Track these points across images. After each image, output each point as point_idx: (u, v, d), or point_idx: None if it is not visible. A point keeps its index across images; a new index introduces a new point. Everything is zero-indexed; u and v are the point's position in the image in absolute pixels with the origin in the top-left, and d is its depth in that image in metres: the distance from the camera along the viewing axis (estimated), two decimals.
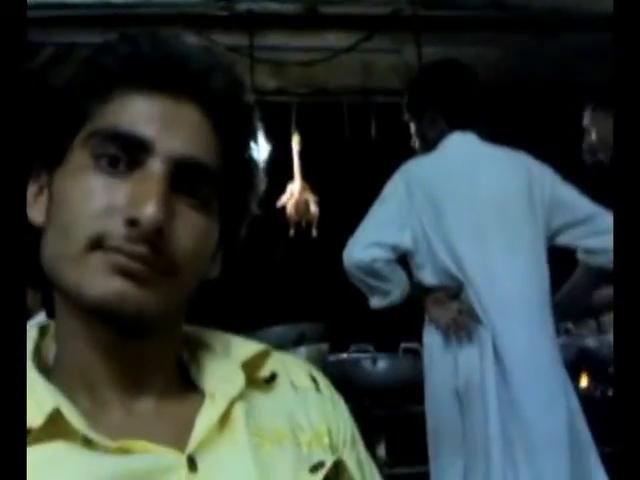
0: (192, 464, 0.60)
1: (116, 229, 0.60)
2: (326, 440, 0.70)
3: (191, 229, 0.64)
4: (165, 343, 0.68)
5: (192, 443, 0.61)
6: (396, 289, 2.00)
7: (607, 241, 1.94)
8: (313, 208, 3.28)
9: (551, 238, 2.06)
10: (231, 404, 0.65)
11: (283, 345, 2.47)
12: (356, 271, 1.98)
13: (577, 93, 2.52)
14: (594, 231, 2.01)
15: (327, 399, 0.75)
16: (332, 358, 2.83)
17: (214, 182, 0.66)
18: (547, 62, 3.15)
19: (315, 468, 0.66)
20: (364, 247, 1.97)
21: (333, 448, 0.70)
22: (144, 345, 0.65)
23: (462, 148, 2.09)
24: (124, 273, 0.60)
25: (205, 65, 0.66)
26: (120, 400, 0.65)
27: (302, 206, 3.26)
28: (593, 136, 2.43)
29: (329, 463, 0.67)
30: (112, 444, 0.59)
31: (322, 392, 0.75)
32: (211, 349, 0.72)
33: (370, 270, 1.97)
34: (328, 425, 0.71)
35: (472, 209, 1.99)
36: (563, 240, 2.07)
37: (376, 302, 2.04)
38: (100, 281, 0.60)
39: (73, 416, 0.59)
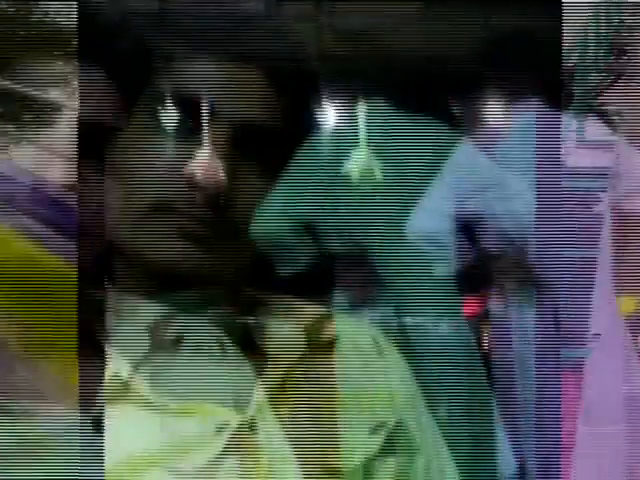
0: (253, 426, 0.61)
1: (179, 193, 0.60)
2: (387, 402, 0.70)
3: (254, 193, 0.64)
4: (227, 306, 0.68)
5: (253, 405, 0.62)
6: None
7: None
8: None
9: None
10: (292, 367, 0.65)
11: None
12: None
13: None
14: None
15: (389, 362, 0.75)
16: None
17: (277, 147, 0.66)
18: None
19: (376, 429, 0.66)
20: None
21: (395, 409, 0.70)
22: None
23: None
24: (188, 236, 0.60)
25: (269, 30, 0.66)
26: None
27: None
28: None
29: (391, 423, 0.67)
30: (173, 406, 0.60)
31: (384, 355, 0.75)
32: (273, 312, 0.72)
33: None
34: (390, 387, 0.71)
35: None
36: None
37: None
38: (164, 244, 0.60)
39: (135, 378, 0.60)
